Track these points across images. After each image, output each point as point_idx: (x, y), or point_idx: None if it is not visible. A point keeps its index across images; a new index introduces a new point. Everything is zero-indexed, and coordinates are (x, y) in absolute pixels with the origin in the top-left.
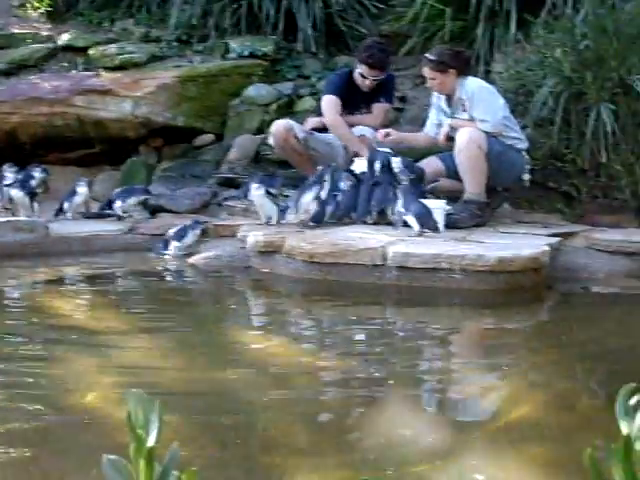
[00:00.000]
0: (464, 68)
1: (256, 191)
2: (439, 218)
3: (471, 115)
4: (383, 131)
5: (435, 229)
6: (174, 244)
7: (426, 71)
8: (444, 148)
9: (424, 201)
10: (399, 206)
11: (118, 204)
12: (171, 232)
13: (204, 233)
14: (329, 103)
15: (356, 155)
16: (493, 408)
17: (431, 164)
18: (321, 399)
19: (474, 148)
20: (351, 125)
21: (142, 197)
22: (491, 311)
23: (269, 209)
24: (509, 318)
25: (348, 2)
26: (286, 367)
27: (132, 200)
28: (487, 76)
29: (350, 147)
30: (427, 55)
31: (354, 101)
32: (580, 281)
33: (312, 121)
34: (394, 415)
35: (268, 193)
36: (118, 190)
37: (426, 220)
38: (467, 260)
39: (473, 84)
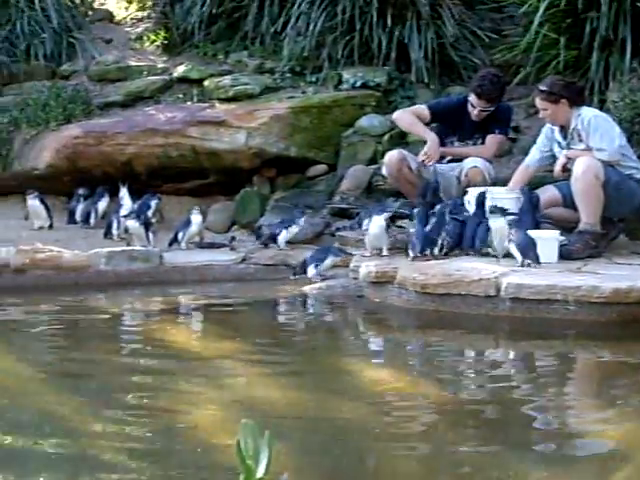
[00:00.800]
0: (577, 98)
1: (377, 220)
2: (553, 248)
3: (587, 144)
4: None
5: (536, 260)
6: (310, 269)
7: (538, 102)
8: (557, 178)
9: (535, 231)
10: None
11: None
12: (308, 255)
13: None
14: (415, 107)
15: (468, 185)
16: (605, 445)
17: (547, 192)
18: (430, 431)
19: (591, 177)
20: (464, 155)
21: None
22: (605, 343)
23: (383, 240)
24: (624, 351)
25: (461, 32)
26: (396, 398)
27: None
28: (602, 105)
29: (414, 131)
30: (539, 86)
31: (467, 129)
32: None
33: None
34: (504, 453)
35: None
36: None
37: (527, 251)
38: (582, 291)
39: (588, 113)
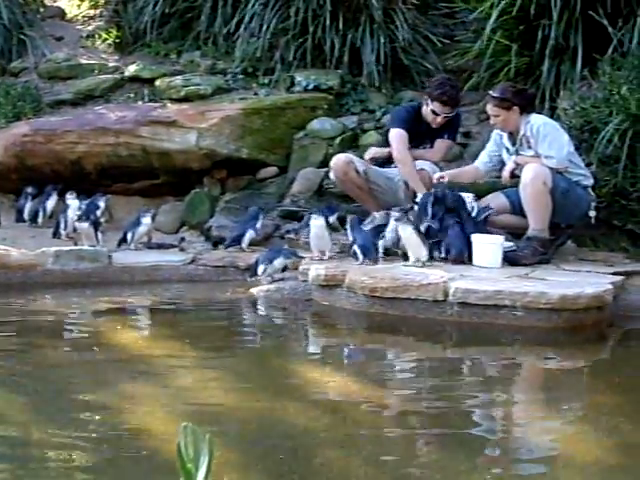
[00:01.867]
0: (528, 105)
1: (315, 221)
2: (497, 253)
3: (536, 151)
4: (437, 175)
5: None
6: (261, 267)
7: (489, 108)
8: (505, 184)
9: (479, 236)
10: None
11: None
12: (261, 255)
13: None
14: (399, 138)
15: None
16: (551, 449)
17: (496, 199)
18: (376, 434)
19: (539, 184)
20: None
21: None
22: (552, 349)
23: (325, 241)
24: (570, 357)
25: (414, 37)
26: (343, 401)
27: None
28: (552, 113)
29: (410, 185)
30: (491, 92)
31: (419, 136)
32: None
33: (373, 151)
34: (448, 454)
35: (327, 224)
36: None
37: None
38: (529, 297)
39: (538, 120)
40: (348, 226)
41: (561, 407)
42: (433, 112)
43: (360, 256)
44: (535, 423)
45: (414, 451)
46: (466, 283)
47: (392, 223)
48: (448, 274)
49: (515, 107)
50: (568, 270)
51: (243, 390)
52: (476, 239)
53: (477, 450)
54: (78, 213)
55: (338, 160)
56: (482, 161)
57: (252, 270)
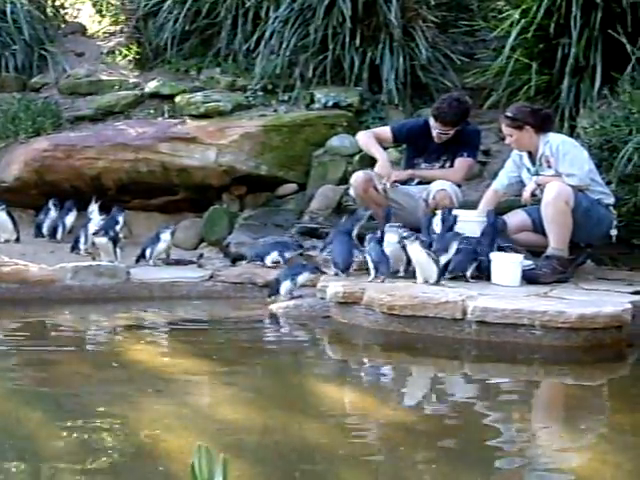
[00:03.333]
0: (543, 125)
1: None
2: (516, 272)
3: (557, 170)
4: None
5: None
6: (285, 285)
7: (503, 128)
8: (525, 204)
9: (498, 254)
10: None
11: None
12: (282, 272)
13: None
14: (378, 129)
15: (436, 208)
16: (569, 468)
17: (517, 216)
18: (393, 452)
19: (561, 203)
20: (432, 178)
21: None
22: (571, 368)
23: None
24: (589, 376)
25: (433, 55)
26: (360, 419)
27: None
28: (572, 131)
29: (371, 154)
30: (504, 112)
31: (433, 151)
32: None
33: (394, 176)
34: (465, 472)
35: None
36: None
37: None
38: (548, 316)
39: (557, 139)
40: (367, 242)
41: (580, 426)
42: (431, 126)
43: (372, 271)
44: (553, 442)
45: (430, 469)
46: (485, 301)
47: (389, 239)
48: (467, 292)
49: (527, 127)
50: (587, 289)
51: (260, 407)
52: (496, 257)
53: (494, 468)
54: (96, 228)
55: (357, 177)
56: (501, 183)
57: (272, 289)
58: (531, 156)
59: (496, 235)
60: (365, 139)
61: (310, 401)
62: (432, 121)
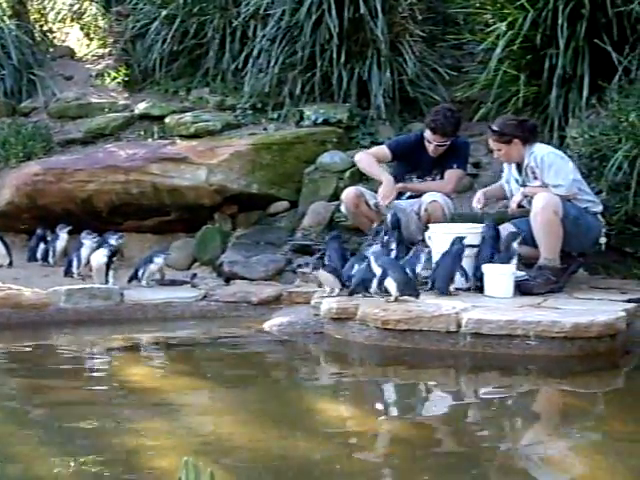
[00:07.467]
0: (529, 137)
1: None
2: (509, 283)
3: (543, 181)
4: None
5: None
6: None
7: (491, 142)
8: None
9: (490, 265)
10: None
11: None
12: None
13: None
14: (375, 148)
15: (428, 221)
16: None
17: (505, 231)
18: (390, 467)
19: (550, 213)
20: (423, 191)
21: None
22: (566, 378)
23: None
24: (584, 385)
25: (421, 69)
26: (355, 434)
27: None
28: (562, 141)
29: (374, 176)
30: (490, 126)
31: (425, 165)
32: None
33: (388, 198)
34: None
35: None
36: None
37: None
38: (542, 326)
39: (541, 151)
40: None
41: (576, 435)
42: (427, 140)
43: (395, 291)
44: (550, 451)
45: None
46: (479, 313)
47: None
48: (460, 304)
49: (516, 140)
50: (580, 298)
51: (255, 424)
52: (488, 269)
53: (490, 479)
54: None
55: (349, 193)
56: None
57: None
58: (519, 167)
59: (496, 244)
60: (366, 161)
61: (305, 417)
62: (429, 134)
